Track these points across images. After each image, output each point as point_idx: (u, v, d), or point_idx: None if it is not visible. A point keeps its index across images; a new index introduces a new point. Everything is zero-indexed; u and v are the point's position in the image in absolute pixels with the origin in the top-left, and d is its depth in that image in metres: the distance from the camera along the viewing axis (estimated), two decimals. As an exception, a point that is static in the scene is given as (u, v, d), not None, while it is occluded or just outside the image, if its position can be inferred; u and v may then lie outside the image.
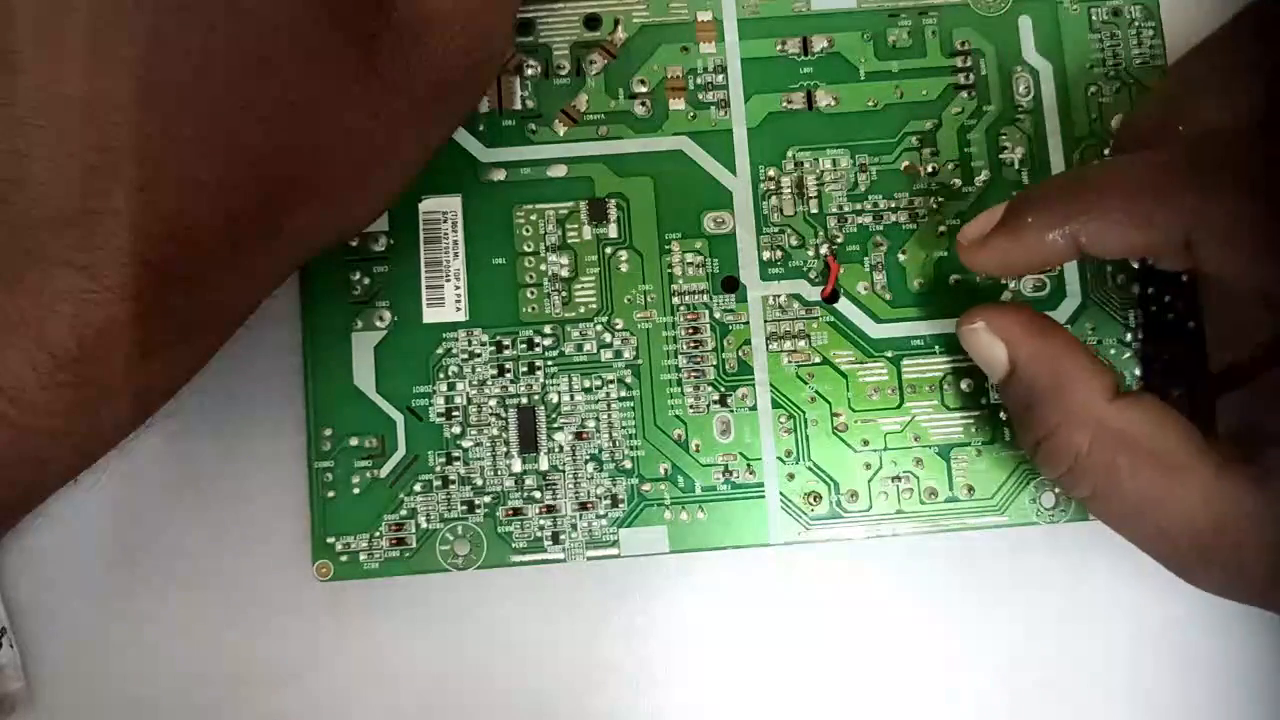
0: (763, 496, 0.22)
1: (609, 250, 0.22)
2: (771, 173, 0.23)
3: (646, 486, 0.22)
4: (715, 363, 0.22)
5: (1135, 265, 0.23)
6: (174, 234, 0.17)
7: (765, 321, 0.22)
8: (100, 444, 0.18)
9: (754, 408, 0.22)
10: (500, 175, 0.23)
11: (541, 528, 0.22)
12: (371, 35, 0.18)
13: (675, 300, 0.22)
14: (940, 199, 0.23)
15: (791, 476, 0.22)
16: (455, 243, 0.22)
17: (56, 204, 0.16)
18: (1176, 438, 0.18)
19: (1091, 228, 0.18)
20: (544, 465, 0.22)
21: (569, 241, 0.22)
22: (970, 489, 0.22)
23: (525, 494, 0.22)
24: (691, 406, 0.22)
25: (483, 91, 0.22)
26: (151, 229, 0.16)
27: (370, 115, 0.18)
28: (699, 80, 0.23)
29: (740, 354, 0.22)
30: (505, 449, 0.22)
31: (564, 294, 0.22)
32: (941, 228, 0.23)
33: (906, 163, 0.23)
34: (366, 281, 0.22)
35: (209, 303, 0.18)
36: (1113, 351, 0.22)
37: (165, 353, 0.18)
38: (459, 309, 0.22)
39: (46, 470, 0.18)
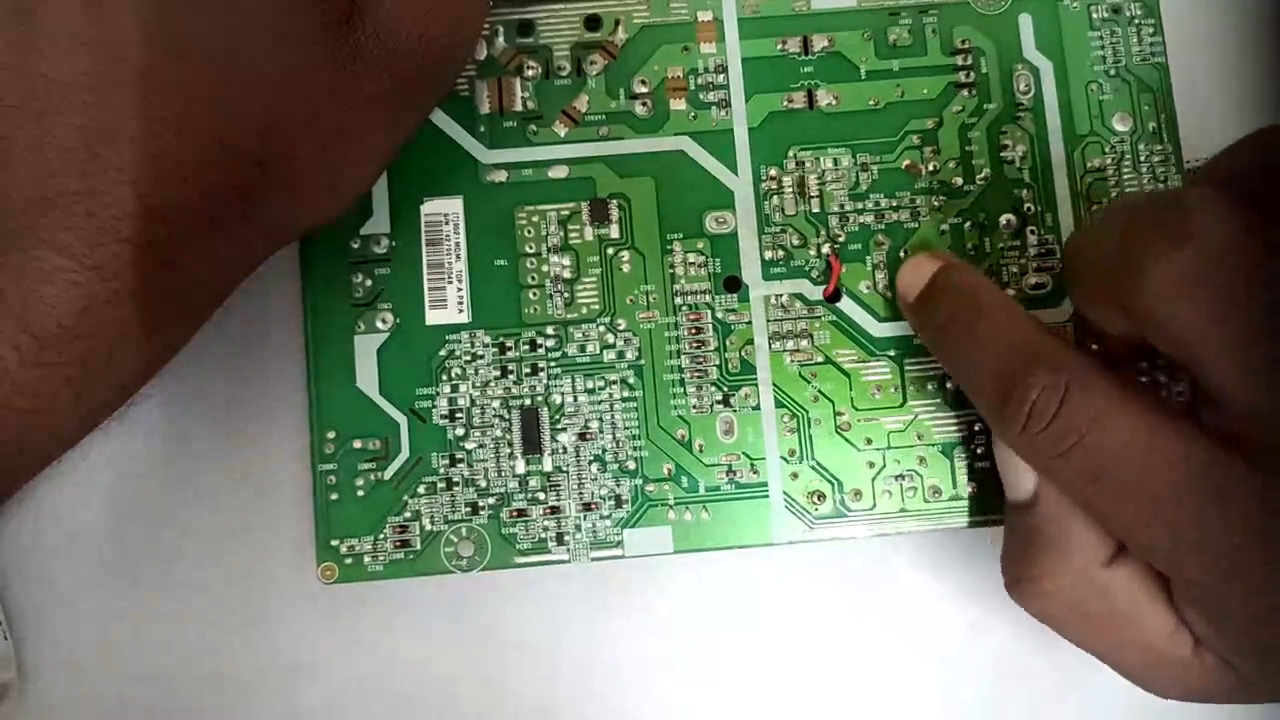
0: (766, 496, 0.22)
1: (611, 251, 0.22)
2: (773, 172, 0.23)
3: (650, 487, 0.22)
4: (718, 363, 0.22)
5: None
6: (152, 213, 0.17)
7: (768, 321, 0.22)
8: (80, 425, 0.18)
9: (757, 407, 0.22)
10: (502, 177, 0.23)
11: (546, 529, 0.22)
12: (343, 19, 0.18)
13: (677, 300, 0.22)
14: (942, 197, 0.23)
15: (795, 476, 0.22)
16: (457, 244, 0.22)
17: (36, 185, 0.16)
18: None
19: None
20: (548, 466, 0.22)
21: (571, 242, 0.22)
22: (974, 487, 0.22)
23: (529, 495, 0.22)
24: (694, 406, 0.22)
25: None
26: (130, 208, 0.17)
27: (341, 99, 0.18)
28: (700, 80, 0.23)
29: (743, 354, 0.22)
30: (509, 450, 0.22)
31: (566, 295, 0.22)
32: (943, 226, 0.23)
33: (908, 161, 0.23)
34: (369, 284, 0.22)
35: (188, 283, 0.18)
36: (1115, 349, 0.22)
37: (146, 332, 0.18)
38: (461, 310, 0.22)
39: (26, 452, 0.18)
